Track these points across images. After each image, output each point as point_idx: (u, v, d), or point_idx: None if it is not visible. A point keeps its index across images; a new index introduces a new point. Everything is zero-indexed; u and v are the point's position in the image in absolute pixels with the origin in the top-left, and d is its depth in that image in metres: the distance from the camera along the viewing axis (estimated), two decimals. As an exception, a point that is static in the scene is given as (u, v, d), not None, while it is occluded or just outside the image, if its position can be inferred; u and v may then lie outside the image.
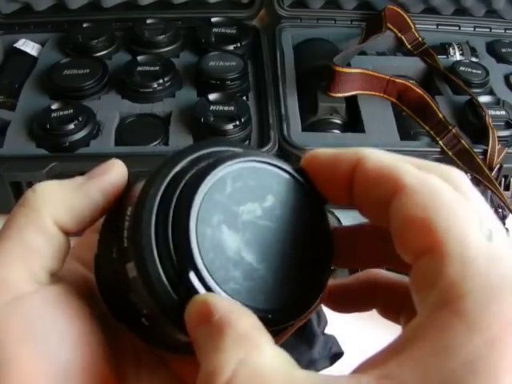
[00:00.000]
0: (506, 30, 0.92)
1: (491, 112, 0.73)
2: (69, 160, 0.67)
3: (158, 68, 0.78)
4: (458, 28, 0.93)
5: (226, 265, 0.20)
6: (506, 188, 0.71)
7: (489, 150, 0.69)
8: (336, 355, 0.59)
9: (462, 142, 0.71)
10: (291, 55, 0.85)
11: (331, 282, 0.23)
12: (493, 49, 0.89)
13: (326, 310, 0.59)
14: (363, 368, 0.17)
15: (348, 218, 0.63)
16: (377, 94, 0.78)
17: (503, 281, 0.17)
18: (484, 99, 0.76)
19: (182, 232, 0.20)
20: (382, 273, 0.26)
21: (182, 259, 0.20)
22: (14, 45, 0.85)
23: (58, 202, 0.22)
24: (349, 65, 0.81)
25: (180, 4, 0.91)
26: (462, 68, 0.82)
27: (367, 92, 0.78)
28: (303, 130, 0.75)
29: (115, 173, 0.24)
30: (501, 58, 0.87)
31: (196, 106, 0.72)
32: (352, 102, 0.78)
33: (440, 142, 0.72)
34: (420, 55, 0.86)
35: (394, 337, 0.18)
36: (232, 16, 0.90)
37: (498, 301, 0.17)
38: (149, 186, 0.21)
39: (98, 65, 0.78)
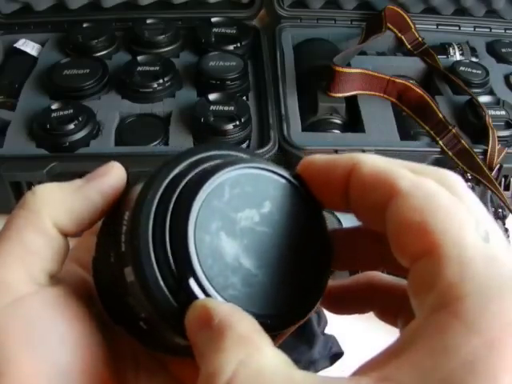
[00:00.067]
0: (506, 29, 0.92)
1: (491, 112, 0.73)
2: (69, 160, 0.67)
3: (157, 68, 0.78)
4: (458, 28, 0.92)
5: (225, 271, 0.20)
6: (506, 188, 0.71)
7: (489, 149, 0.69)
8: (336, 355, 0.59)
9: (462, 142, 0.70)
10: (291, 55, 0.85)
11: (329, 283, 0.23)
12: (493, 49, 0.89)
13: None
14: (362, 370, 0.18)
15: (348, 218, 0.63)
16: (377, 94, 0.78)
17: (501, 281, 0.17)
18: (484, 99, 0.76)
19: (181, 239, 0.20)
20: (379, 275, 0.26)
21: (181, 266, 0.20)
22: (14, 45, 0.85)
23: (58, 204, 0.22)
24: (349, 65, 0.81)
25: (180, 4, 0.91)
26: (461, 68, 0.82)
27: (367, 92, 0.78)
28: (303, 130, 0.74)
29: (114, 175, 0.24)
30: (501, 58, 0.87)
31: (196, 105, 0.72)
32: (352, 101, 0.78)
33: (440, 142, 0.72)
34: (420, 55, 0.86)
35: (395, 337, 0.18)
36: (232, 16, 0.90)
37: (497, 301, 0.17)
38: (147, 189, 0.21)
39: (98, 65, 0.78)
